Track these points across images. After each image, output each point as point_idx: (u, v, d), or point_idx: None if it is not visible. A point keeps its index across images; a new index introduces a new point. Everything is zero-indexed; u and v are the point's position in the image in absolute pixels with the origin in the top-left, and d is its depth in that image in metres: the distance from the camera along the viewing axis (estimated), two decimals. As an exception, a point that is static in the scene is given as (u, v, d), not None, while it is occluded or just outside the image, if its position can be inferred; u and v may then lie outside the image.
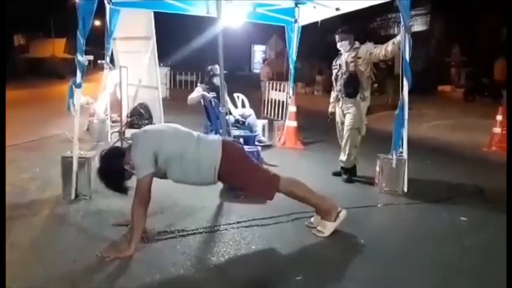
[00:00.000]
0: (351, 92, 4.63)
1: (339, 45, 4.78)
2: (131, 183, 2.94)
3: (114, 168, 2.87)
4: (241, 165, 3.05)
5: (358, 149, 4.73)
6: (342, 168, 4.80)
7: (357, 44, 4.69)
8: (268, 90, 10.17)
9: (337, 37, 4.77)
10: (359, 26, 5.42)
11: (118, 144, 3.04)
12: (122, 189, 2.93)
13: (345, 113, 4.74)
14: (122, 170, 2.86)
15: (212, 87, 6.21)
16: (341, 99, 4.78)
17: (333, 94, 4.98)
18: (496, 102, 10.12)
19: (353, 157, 4.72)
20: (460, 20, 17.24)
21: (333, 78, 4.95)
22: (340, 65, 4.79)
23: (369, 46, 4.59)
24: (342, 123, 4.82)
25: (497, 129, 6.90)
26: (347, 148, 4.68)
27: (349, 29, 4.81)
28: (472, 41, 17.85)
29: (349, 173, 4.77)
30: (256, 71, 20.47)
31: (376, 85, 4.61)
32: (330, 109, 5.05)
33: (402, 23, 4.20)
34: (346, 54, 4.72)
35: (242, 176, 3.05)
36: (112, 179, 2.89)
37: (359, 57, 4.60)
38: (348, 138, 4.66)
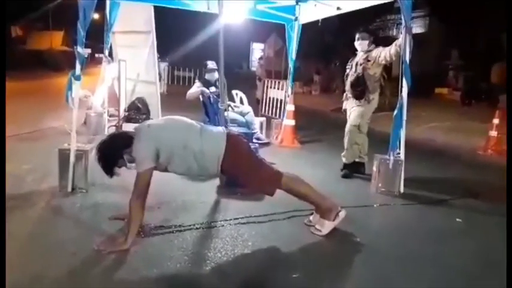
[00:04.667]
0: (357, 93, 4.76)
1: (356, 43, 4.86)
2: (126, 173, 2.95)
3: (113, 151, 2.87)
4: (244, 158, 3.06)
5: (364, 147, 4.90)
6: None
7: (371, 47, 4.73)
8: (267, 88, 10.16)
9: (357, 35, 4.85)
10: (358, 26, 5.44)
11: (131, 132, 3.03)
12: (109, 172, 2.91)
13: (351, 111, 4.90)
14: (119, 157, 2.86)
15: (204, 83, 6.22)
16: (349, 98, 4.93)
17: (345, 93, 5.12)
18: (492, 105, 10.17)
19: (353, 153, 4.88)
20: (458, 23, 17.31)
21: (344, 76, 5.03)
22: (352, 65, 4.86)
23: (379, 49, 4.64)
24: None
25: (494, 133, 6.93)
26: (345, 144, 4.89)
27: (370, 31, 4.94)
28: (470, 44, 17.93)
29: (348, 168, 4.91)
30: (254, 68, 20.43)
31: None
32: (343, 106, 5.14)
33: (403, 23, 4.21)
34: (360, 55, 4.78)
35: (245, 169, 3.04)
36: (106, 158, 2.88)
37: (369, 60, 4.65)
38: (347, 134, 4.88)
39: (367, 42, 4.79)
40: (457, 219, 3.69)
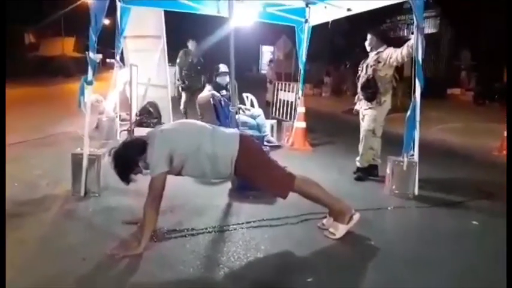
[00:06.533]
0: (368, 96, 4.71)
1: (367, 43, 4.83)
2: (137, 177, 2.95)
3: (128, 159, 2.86)
4: (257, 160, 3.05)
5: (377, 151, 4.85)
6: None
7: (382, 48, 4.69)
8: (277, 91, 10.15)
9: (368, 35, 4.82)
10: (369, 27, 5.41)
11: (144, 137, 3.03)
12: (125, 179, 2.91)
13: (363, 114, 4.85)
14: (134, 164, 2.86)
15: (215, 86, 6.22)
16: (361, 100, 4.89)
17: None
18: (506, 105, 10.02)
19: (367, 157, 4.83)
20: (470, 23, 17.11)
21: (356, 78, 5.00)
22: (363, 67, 4.84)
23: (390, 50, 4.58)
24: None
25: (508, 133, 6.81)
26: (360, 148, 4.85)
27: (381, 32, 4.87)
28: (482, 44, 17.70)
29: (362, 171, 4.87)
30: (264, 71, 20.42)
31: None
32: (356, 107, 5.09)
33: (415, 23, 4.16)
34: (370, 56, 4.75)
35: (258, 171, 3.03)
36: (122, 166, 2.88)
37: (379, 62, 4.61)
38: (362, 139, 4.83)
39: (375, 40, 4.73)
40: (473, 222, 3.62)
